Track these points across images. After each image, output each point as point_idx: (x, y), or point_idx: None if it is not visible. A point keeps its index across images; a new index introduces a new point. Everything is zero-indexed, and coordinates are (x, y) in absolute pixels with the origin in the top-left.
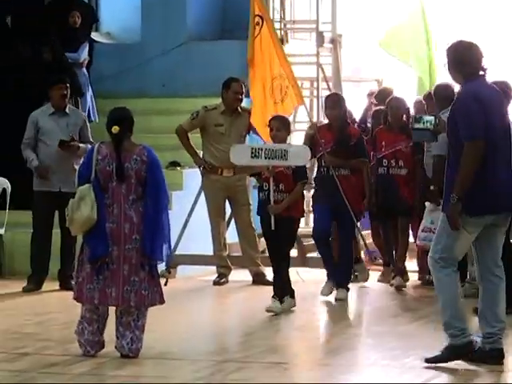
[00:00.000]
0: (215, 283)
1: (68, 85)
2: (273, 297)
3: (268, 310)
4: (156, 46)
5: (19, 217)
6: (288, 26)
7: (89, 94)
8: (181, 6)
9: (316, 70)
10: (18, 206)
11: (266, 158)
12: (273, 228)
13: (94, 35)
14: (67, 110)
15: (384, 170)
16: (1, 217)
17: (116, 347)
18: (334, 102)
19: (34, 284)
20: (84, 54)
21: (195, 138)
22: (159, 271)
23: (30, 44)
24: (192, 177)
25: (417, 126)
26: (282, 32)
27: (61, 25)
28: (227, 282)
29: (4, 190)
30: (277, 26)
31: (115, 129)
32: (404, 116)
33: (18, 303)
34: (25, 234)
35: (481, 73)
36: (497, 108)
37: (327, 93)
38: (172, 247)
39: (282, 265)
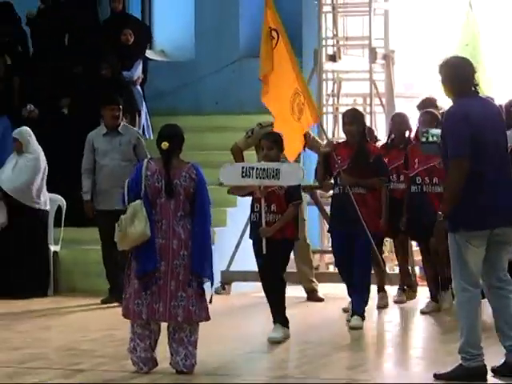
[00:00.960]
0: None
1: (120, 106)
2: (274, 322)
3: (270, 340)
4: (209, 64)
5: (75, 234)
6: (341, 42)
7: (143, 111)
8: (233, 23)
9: (369, 86)
10: (73, 223)
11: (257, 177)
12: (264, 252)
13: (148, 53)
14: (120, 130)
15: (418, 187)
16: (56, 234)
17: (171, 364)
18: (352, 118)
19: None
20: (138, 72)
21: (249, 155)
22: (214, 288)
23: (87, 61)
24: None
25: (424, 139)
26: (335, 48)
27: (115, 43)
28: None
29: (59, 207)
30: (329, 42)
31: (165, 145)
32: (407, 132)
33: (73, 320)
34: (80, 251)
35: (472, 89)
36: (489, 123)
37: (380, 109)
38: (227, 264)
39: (276, 289)
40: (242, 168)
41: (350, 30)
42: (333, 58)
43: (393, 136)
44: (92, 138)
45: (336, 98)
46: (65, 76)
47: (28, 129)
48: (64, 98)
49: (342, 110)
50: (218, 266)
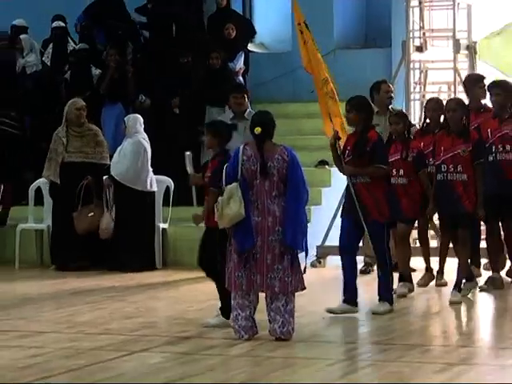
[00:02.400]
0: (361, 272)
1: (245, 95)
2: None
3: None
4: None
5: (181, 212)
6: (427, 34)
7: None
8: (328, 16)
9: (453, 75)
10: (180, 202)
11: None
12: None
13: (249, 46)
14: (246, 115)
15: (443, 175)
16: (165, 213)
17: (269, 331)
18: (354, 106)
19: None
20: (240, 63)
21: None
22: (310, 261)
23: (194, 52)
24: (339, 174)
25: None
26: (422, 40)
27: (219, 36)
28: (372, 271)
29: (167, 188)
30: (416, 34)
31: (257, 130)
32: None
33: (180, 291)
34: (186, 228)
35: None
36: None
37: (464, 96)
38: (322, 239)
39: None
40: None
41: (435, 23)
42: (420, 49)
43: (427, 121)
44: None
45: (423, 86)
46: (173, 65)
47: (137, 115)
48: (174, 96)
49: (428, 97)
50: (314, 241)
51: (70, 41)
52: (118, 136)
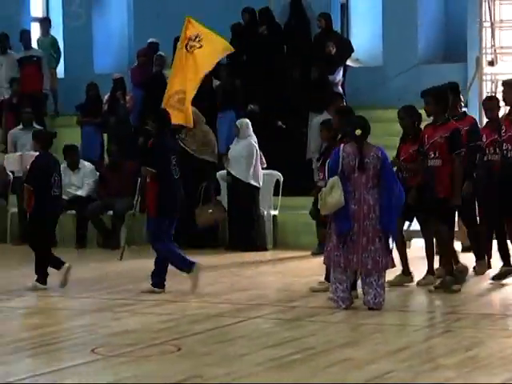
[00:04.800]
0: None
1: (343, 100)
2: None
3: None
4: (393, 69)
5: (289, 201)
6: (497, 50)
7: None
8: (413, 35)
9: None
10: (289, 192)
11: None
12: None
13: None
14: None
15: None
16: (275, 201)
17: (363, 302)
18: (403, 113)
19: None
20: (339, 76)
21: None
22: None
23: (301, 67)
24: None
25: None
26: (493, 56)
27: (322, 53)
28: None
29: (277, 180)
30: (488, 51)
31: (358, 132)
32: None
33: (288, 267)
34: (293, 215)
35: None
36: None
37: None
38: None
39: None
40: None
41: (504, 41)
42: (491, 64)
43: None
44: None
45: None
46: (282, 78)
47: (246, 120)
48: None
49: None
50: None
51: None
52: (230, 137)
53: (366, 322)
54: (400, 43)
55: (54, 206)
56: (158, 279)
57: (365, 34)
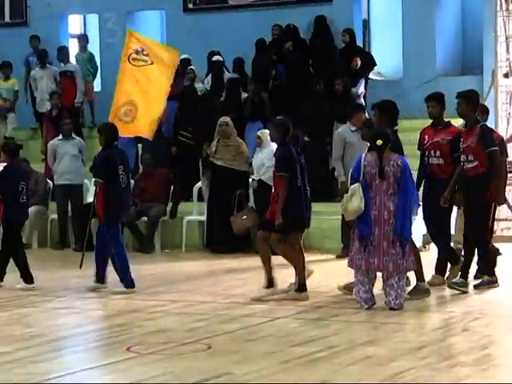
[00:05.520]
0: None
1: (364, 112)
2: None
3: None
4: (413, 81)
5: (316, 207)
6: None
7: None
8: (431, 50)
9: None
10: (313, 199)
11: None
12: None
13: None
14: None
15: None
16: None
17: (385, 302)
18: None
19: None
20: (361, 89)
21: None
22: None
23: (325, 80)
24: None
25: None
26: (508, 68)
27: (347, 67)
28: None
29: None
30: (504, 64)
31: (379, 142)
32: None
33: (314, 269)
34: (317, 220)
35: None
36: None
37: None
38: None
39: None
40: None
41: None
42: (506, 76)
43: None
44: (344, 134)
45: (509, 106)
46: (307, 91)
47: (267, 130)
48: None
49: None
50: (421, 230)
51: (225, 71)
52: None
53: (387, 321)
54: (419, 57)
55: (21, 213)
56: (125, 278)
57: (385, 48)
